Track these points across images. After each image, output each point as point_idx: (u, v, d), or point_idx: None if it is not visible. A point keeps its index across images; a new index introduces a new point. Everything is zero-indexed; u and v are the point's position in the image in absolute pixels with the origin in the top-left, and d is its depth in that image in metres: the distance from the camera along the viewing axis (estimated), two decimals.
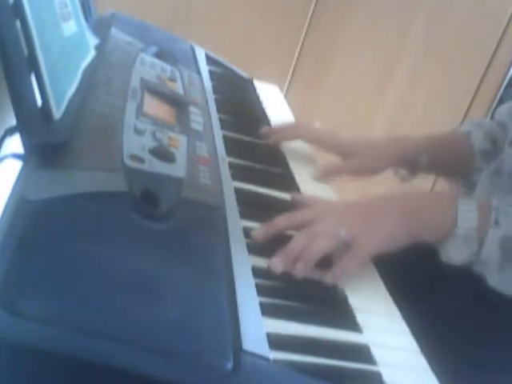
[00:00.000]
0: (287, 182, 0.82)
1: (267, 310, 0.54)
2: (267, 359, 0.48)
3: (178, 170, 0.66)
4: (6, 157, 0.58)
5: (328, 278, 0.63)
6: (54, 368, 0.42)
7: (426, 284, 0.81)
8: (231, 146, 0.82)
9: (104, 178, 0.58)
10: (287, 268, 0.61)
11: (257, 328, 0.51)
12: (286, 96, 1.29)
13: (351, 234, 0.65)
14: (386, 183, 0.94)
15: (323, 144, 0.92)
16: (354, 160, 0.89)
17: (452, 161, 0.94)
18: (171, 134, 0.72)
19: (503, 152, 0.86)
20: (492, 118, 0.99)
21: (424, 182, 1.96)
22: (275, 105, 1.11)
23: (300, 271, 0.62)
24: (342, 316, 0.59)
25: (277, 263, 0.61)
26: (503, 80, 1.92)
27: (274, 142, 0.90)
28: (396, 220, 0.70)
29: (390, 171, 0.94)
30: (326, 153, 0.91)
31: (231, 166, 0.77)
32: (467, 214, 0.69)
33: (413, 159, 0.90)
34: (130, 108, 0.72)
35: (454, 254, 0.70)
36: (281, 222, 0.67)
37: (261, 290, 0.56)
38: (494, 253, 0.69)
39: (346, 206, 0.72)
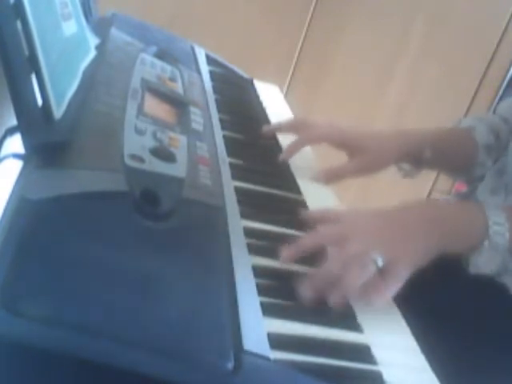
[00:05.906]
0: (287, 181, 0.82)
1: (268, 310, 0.54)
2: (268, 359, 0.48)
3: (178, 169, 0.66)
4: (6, 157, 0.58)
5: (373, 299, 0.59)
6: (54, 368, 0.42)
7: (425, 283, 0.81)
8: (231, 146, 0.82)
9: (104, 178, 0.58)
10: (319, 295, 0.57)
11: (257, 328, 0.51)
12: (285, 96, 1.29)
13: (388, 255, 0.61)
14: (387, 180, 0.93)
15: (329, 141, 0.91)
16: (355, 161, 0.87)
17: (455, 155, 0.94)
18: (172, 134, 0.72)
19: (506, 148, 0.86)
20: (494, 113, 0.99)
21: (424, 181, 1.98)
22: (275, 105, 1.11)
23: (335, 301, 0.58)
24: (343, 316, 0.59)
25: (307, 289, 0.57)
26: (504, 80, 1.92)
27: (284, 160, 0.86)
28: (428, 233, 0.65)
29: (393, 167, 0.93)
30: (330, 147, 0.90)
31: (231, 165, 0.77)
32: (497, 226, 0.67)
33: (417, 153, 0.89)
34: (131, 108, 0.72)
35: (484, 264, 0.68)
36: (307, 241, 0.62)
37: (261, 290, 0.56)
38: None
39: (375, 221, 0.66)
